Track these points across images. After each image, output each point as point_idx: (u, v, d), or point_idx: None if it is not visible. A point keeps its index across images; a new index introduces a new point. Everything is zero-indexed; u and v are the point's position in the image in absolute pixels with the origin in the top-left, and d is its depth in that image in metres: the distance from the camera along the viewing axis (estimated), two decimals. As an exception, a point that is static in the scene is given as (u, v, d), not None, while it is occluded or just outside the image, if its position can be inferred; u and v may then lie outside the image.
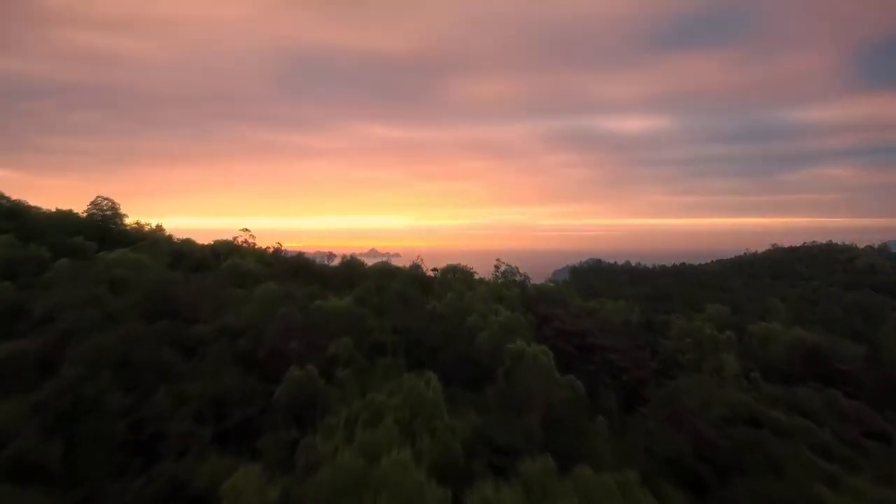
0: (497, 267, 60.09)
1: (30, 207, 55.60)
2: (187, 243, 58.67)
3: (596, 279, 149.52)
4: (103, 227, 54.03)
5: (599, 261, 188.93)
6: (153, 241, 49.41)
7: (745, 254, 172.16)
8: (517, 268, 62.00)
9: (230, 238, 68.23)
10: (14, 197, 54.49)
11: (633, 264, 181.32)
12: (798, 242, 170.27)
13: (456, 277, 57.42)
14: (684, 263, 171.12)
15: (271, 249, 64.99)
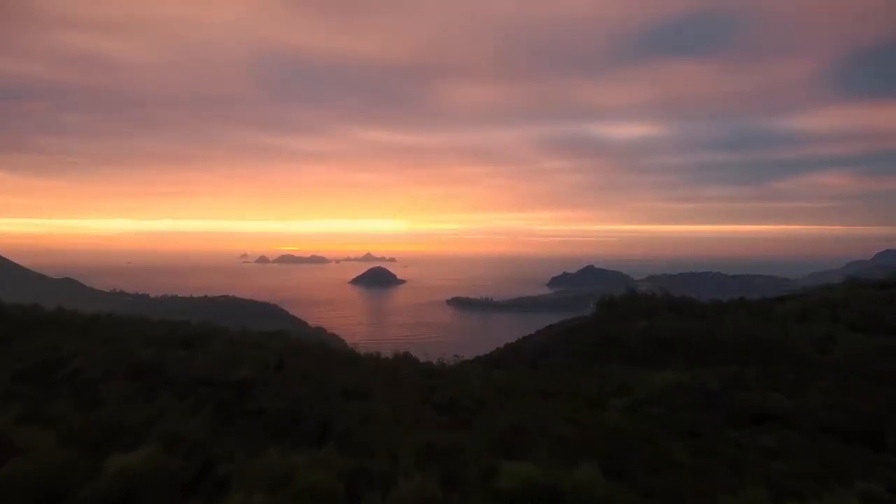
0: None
1: None
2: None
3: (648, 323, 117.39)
4: None
5: (633, 290, 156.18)
6: None
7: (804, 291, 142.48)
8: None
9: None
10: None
11: (675, 295, 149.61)
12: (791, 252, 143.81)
13: None
14: (742, 298, 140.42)
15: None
